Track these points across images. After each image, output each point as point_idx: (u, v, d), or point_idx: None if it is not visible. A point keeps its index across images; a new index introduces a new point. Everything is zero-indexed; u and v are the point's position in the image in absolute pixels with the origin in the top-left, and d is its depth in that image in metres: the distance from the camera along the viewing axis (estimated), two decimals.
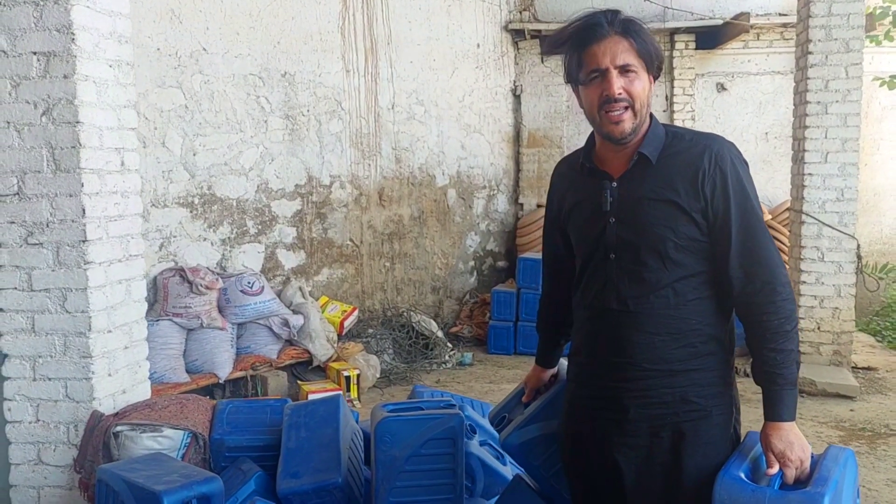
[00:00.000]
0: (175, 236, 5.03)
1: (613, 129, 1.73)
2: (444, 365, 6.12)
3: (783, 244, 6.70)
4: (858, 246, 5.57)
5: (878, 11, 6.45)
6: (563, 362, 2.20)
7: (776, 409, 1.71)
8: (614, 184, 1.80)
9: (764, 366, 1.73)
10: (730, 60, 8.01)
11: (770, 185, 7.80)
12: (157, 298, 4.78)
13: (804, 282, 5.58)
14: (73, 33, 2.74)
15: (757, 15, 7.60)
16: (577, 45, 1.74)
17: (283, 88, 5.67)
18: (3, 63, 2.82)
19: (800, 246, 5.59)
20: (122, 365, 3.03)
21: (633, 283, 1.77)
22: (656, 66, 1.76)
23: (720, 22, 7.62)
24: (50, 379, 2.92)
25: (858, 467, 3.90)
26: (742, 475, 1.70)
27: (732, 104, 8.08)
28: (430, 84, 7.01)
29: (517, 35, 8.00)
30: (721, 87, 8.11)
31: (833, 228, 5.50)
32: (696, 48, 7.85)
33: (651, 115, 1.80)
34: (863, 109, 6.70)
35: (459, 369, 6.11)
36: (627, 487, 1.80)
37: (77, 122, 2.79)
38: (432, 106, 7.06)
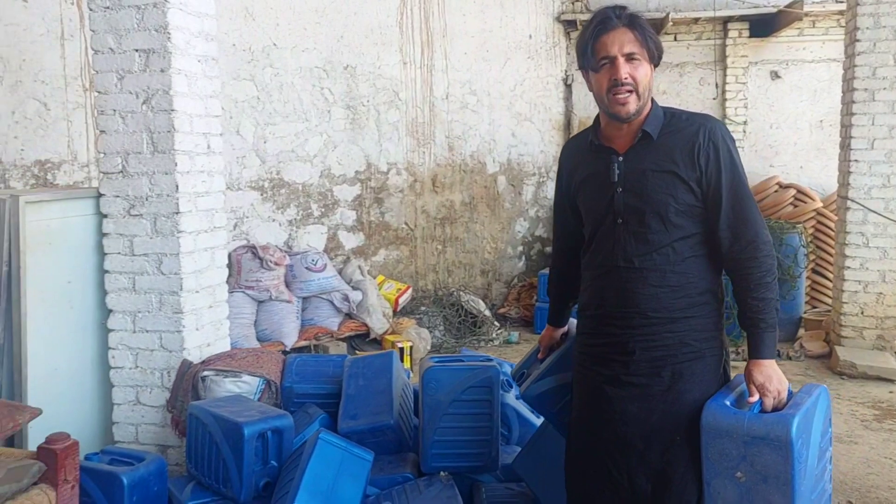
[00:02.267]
0: (247, 217, 5.48)
1: (620, 109, 2.00)
2: (491, 342, 6.42)
3: (831, 231, 6.74)
4: None
5: None
6: (573, 322, 2.46)
7: (758, 348, 1.99)
8: (620, 158, 2.06)
9: (748, 312, 2.01)
10: (784, 48, 8.00)
11: (824, 172, 7.78)
12: (231, 273, 5.20)
13: (848, 267, 5.65)
14: (168, 33, 3.15)
15: (812, 2, 7.57)
16: (589, 36, 2.02)
17: (345, 80, 6.06)
18: (111, 59, 3.25)
19: (845, 231, 5.66)
20: (207, 321, 3.45)
21: (638, 243, 2.03)
22: (656, 56, 2.03)
23: (774, 10, 7.62)
24: (147, 331, 3.34)
25: (889, 443, 4.06)
26: (727, 403, 1.97)
27: (786, 92, 8.07)
28: (482, 74, 7.29)
29: (569, 25, 8.17)
30: (775, 75, 8.09)
31: (878, 214, 5.55)
32: (750, 36, 7.87)
33: (651, 98, 2.07)
34: None
35: (506, 346, 6.41)
36: (629, 418, 2.05)
37: (172, 110, 3.20)
38: (484, 95, 7.34)
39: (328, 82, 5.95)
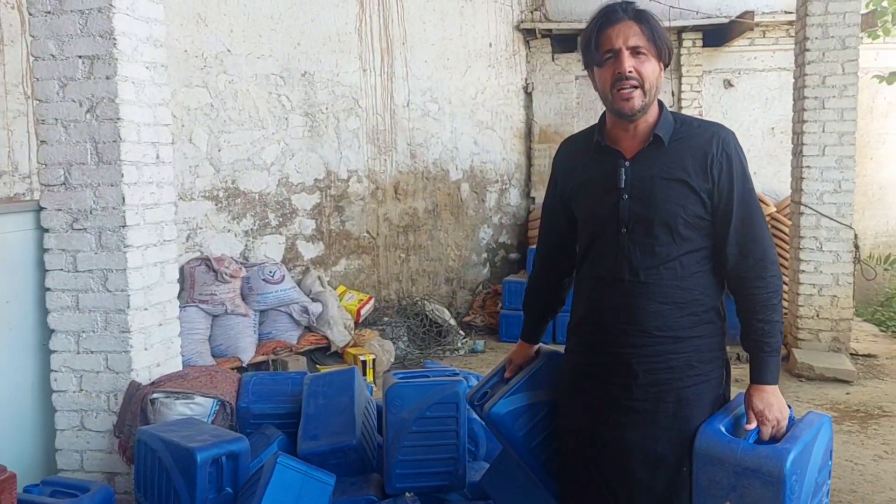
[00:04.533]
0: (201, 228, 5.32)
1: (624, 105, 1.86)
2: (456, 352, 6.35)
3: (785, 235, 6.86)
4: (856, 236, 5.73)
5: (878, 8, 6.58)
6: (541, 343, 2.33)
7: (761, 373, 1.88)
8: (627, 163, 1.92)
9: (752, 334, 1.90)
10: (736, 57, 8.16)
11: (776, 179, 7.93)
12: (184, 286, 5.04)
13: (803, 270, 5.76)
14: (114, 38, 3.01)
15: (762, 13, 7.75)
16: (593, 30, 1.89)
17: (303, 87, 5.95)
18: (52, 66, 3.09)
19: (799, 236, 5.76)
20: (157, 340, 3.30)
21: (644, 255, 1.89)
22: (666, 54, 1.89)
23: (726, 20, 7.77)
24: (92, 352, 3.18)
25: (849, 445, 4.07)
26: (722, 428, 1.86)
27: (739, 100, 8.23)
28: (443, 82, 7.25)
29: (528, 34, 8.20)
30: (728, 84, 8.25)
31: (831, 219, 5.66)
32: (703, 46, 8.00)
33: (661, 102, 1.94)
34: (867, 105, 6.87)
35: (471, 356, 6.35)
36: (632, 446, 1.91)
37: (118, 119, 3.06)
38: (446, 103, 7.31)
39: (285, 89, 5.83)
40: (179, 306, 3.52)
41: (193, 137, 5.22)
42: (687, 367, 1.90)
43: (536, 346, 2.33)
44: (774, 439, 1.85)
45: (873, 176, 7.97)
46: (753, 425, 1.86)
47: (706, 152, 1.88)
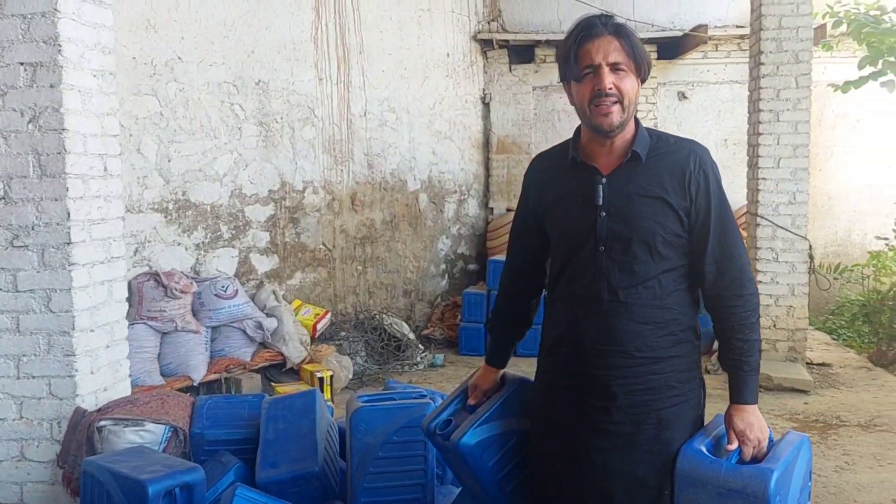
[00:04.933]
0: (150, 241, 5.11)
1: (602, 120, 1.83)
2: (416, 366, 6.25)
3: None
4: (810, 246, 5.84)
5: (832, 21, 6.75)
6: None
7: (740, 393, 1.86)
8: (604, 179, 1.88)
9: (731, 353, 1.88)
10: (690, 70, 8.30)
11: (730, 189, 7.85)
12: (132, 303, 4.84)
13: (760, 281, 5.82)
14: (59, 45, 2.85)
15: (715, 27, 7.91)
16: (572, 44, 1.85)
17: (256, 96, 5.79)
18: None
19: (755, 247, 5.84)
20: (104, 363, 3.13)
21: (623, 274, 1.85)
22: (645, 69, 1.87)
23: (680, 33, 7.90)
24: (34, 377, 3.00)
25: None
26: (703, 449, 1.83)
27: (693, 112, 8.37)
28: (401, 92, 7.17)
29: (486, 45, 8.20)
30: (682, 96, 8.39)
31: (786, 230, 5.76)
32: (658, 58, 8.11)
33: (636, 118, 1.92)
34: (816, 118, 7.03)
35: (431, 370, 6.25)
36: (612, 471, 1.87)
37: (63, 130, 2.89)
38: (404, 113, 7.23)
39: (238, 98, 5.66)
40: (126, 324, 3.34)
41: (142, 147, 5.01)
42: (667, 388, 1.87)
43: (502, 372, 2.23)
44: (755, 459, 1.83)
45: (822, 187, 8.17)
46: (735, 445, 1.84)
47: (683, 170, 1.86)
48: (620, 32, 1.85)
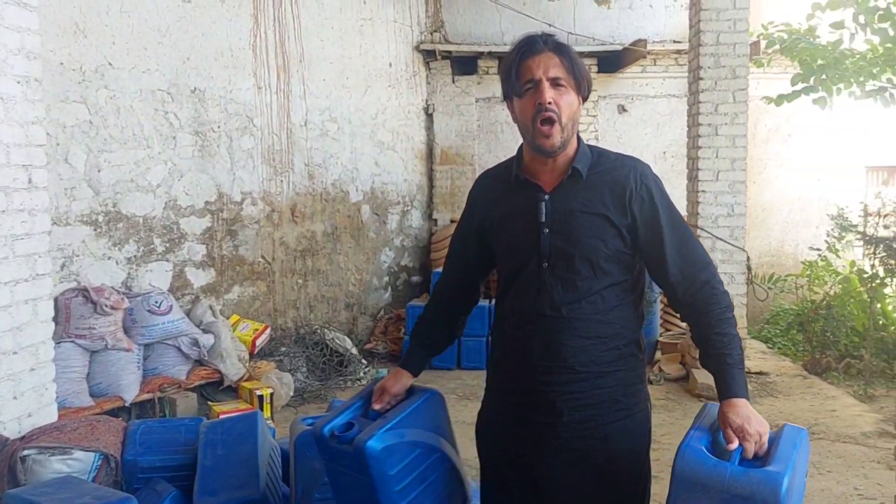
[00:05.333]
0: (78, 255, 4.85)
1: (544, 141, 1.85)
2: (359, 382, 6.11)
3: None
4: (748, 258, 5.98)
5: (766, 39, 6.97)
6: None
7: (730, 388, 1.79)
8: (547, 196, 1.90)
9: (712, 349, 1.84)
10: (629, 84, 8.46)
11: None
12: (59, 320, 4.57)
13: None
14: None
15: (653, 42, 8.07)
16: (514, 60, 1.88)
17: (192, 104, 5.59)
18: None
19: None
20: (29, 387, 2.93)
21: (566, 290, 1.87)
22: (585, 87, 1.89)
23: (620, 47, 8.04)
24: None
25: None
26: (703, 448, 1.71)
27: (633, 125, 8.52)
28: (343, 101, 7.06)
29: (428, 55, 8.16)
30: (622, 109, 8.54)
31: (725, 242, 5.89)
32: (598, 72, 8.23)
33: (578, 135, 1.94)
34: (751, 132, 7.23)
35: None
36: (560, 487, 1.88)
37: None
38: (346, 123, 7.12)
39: (173, 106, 5.45)
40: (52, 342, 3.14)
41: (70, 157, 4.76)
42: (611, 402, 1.88)
43: (412, 380, 2.13)
44: (757, 456, 1.74)
45: (756, 199, 8.42)
46: (736, 444, 1.74)
47: (624, 187, 1.89)
48: (561, 50, 1.87)
